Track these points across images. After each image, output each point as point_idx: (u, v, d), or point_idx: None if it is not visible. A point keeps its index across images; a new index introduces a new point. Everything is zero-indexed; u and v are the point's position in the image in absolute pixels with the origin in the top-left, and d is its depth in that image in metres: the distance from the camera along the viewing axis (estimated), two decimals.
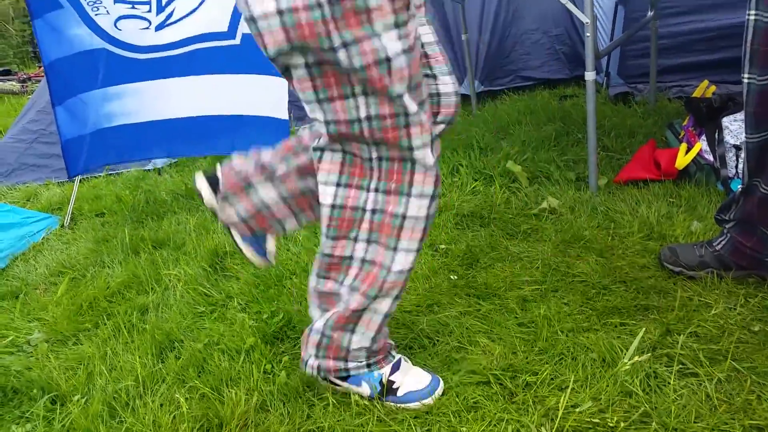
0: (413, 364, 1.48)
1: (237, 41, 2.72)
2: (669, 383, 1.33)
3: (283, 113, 2.84)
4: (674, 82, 3.38)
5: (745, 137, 1.54)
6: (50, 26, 2.53)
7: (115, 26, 2.61)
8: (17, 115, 4.33)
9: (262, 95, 2.81)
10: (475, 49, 3.83)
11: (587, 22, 2.17)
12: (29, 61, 9.62)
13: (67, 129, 2.68)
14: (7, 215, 2.81)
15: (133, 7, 2.61)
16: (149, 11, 2.64)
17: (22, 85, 6.90)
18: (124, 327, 1.85)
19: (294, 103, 3.75)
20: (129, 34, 2.66)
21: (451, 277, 1.88)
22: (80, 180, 3.04)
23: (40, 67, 8.30)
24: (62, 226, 2.84)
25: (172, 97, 2.79)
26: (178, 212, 2.76)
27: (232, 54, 2.73)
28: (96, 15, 2.56)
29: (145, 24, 2.66)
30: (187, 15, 2.68)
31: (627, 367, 1.36)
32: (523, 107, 3.49)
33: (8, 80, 7.19)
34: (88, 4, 2.54)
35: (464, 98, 3.90)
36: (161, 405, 1.48)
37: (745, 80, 1.49)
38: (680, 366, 1.38)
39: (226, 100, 2.82)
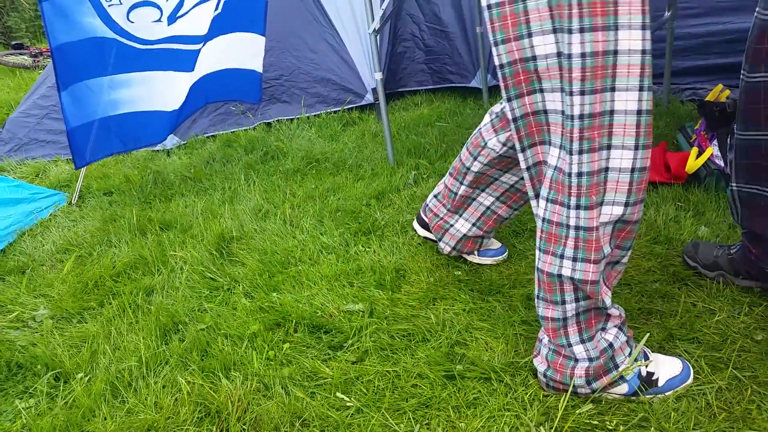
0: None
1: (220, 10, 2.76)
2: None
3: (257, 66, 3.03)
4: (688, 84, 3.35)
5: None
6: (59, 10, 2.48)
7: (128, 18, 2.60)
8: (28, 89, 4.33)
9: (237, 50, 2.95)
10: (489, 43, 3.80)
11: None
12: (41, 35, 9.60)
13: (73, 117, 2.63)
14: (16, 190, 2.82)
15: None
16: None
17: (34, 60, 6.89)
18: (129, 307, 1.86)
19: (306, 90, 3.75)
20: (141, 28, 2.64)
21: (456, 272, 1.88)
22: None
23: None
24: (70, 203, 2.85)
25: (178, 88, 2.81)
26: (185, 195, 2.77)
27: (217, 23, 2.78)
28: (109, 6, 2.54)
29: (157, 14, 2.65)
30: (199, 3, 2.68)
31: (629, 371, 1.36)
32: None
33: (20, 54, 7.19)
34: None
35: (476, 92, 3.89)
36: (163, 387, 1.50)
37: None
38: None
39: (209, 60, 2.88)
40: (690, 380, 1.34)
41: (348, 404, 1.39)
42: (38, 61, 6.87)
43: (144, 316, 1.82)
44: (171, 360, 1.59)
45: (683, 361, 1.38)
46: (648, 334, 1.48)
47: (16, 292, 2.05)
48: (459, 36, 3.86)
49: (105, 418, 1.41)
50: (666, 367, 1.35)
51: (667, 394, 1.32)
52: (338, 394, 1.41)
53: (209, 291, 1.93)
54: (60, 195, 2.90)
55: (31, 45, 8.27)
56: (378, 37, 2.80)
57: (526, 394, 1.36)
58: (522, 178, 1.70)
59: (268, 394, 1.45)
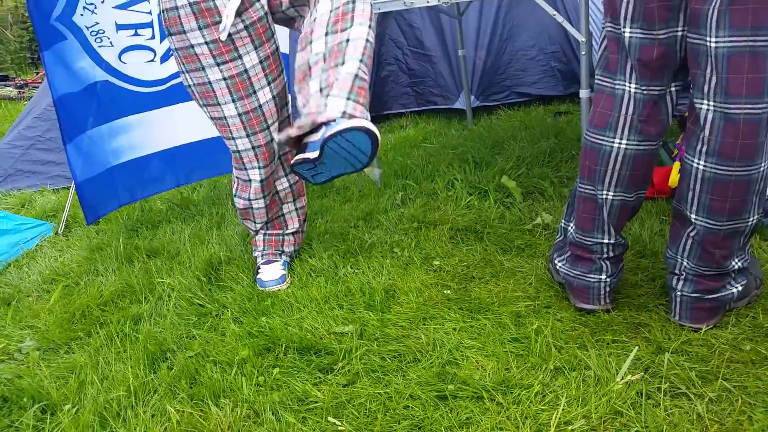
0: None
1: None
2: (660, 403, 1.33)
3: None
4: None
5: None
6: (58, 58, 2.42)
7: (120, 59, 2.55)
8: (13, 121, 4.32)
9: None
10: (472, 65, 3.86)
11: (583, 41, 2.19)
12: (27, 67, 9.62)
13: (80, 171, 2.55)
14: (1, 222, 2.80)
15: (135, 34, 2.54)
16: (152, 38, 2.58)
17: (19, 91, 6.89)
18: (117, 336, 1.84)
19: (292, 115, 3.77)
20: (134, 68, 2.60)
21: (445, 291, 1.88)
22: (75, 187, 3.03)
23: (37, 73, 8.30)
24: (56, 233, 2.83)
25: (176, 124, 2.77)
26: (173, 221, 2.76)
27: None
28: (100, 47, 2.49)
29: (150, 55, 2.61)
30: None
31: (619, 386, 1.36)
32: (518, 123, 3.52)
33: (5, 86, 7.18)
34: (91, 34, 2.46)
35: (460, 113, 3.93)
36: (152, 416, 1.48)
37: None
38: (671, 385, 1.38)
39: None
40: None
41: (340, 428, 1.38)
42: (23, 93, 6.86)
43: (132, 344, 1.80)
44: (160, 389, 1.58)
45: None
46: (636, 348, 1.49)
47: (2, 324, 2.03)
48: (441, 59, 3.92)
49: None
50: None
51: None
52: (330, 419, 1.40)
53: (197, 317, 1.91)
54: (46, 225, 2.89)
55: (17, 76, 8.27)
56: None
57: (519, 412, 1.35)
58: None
59: (258, 420, 1.43)
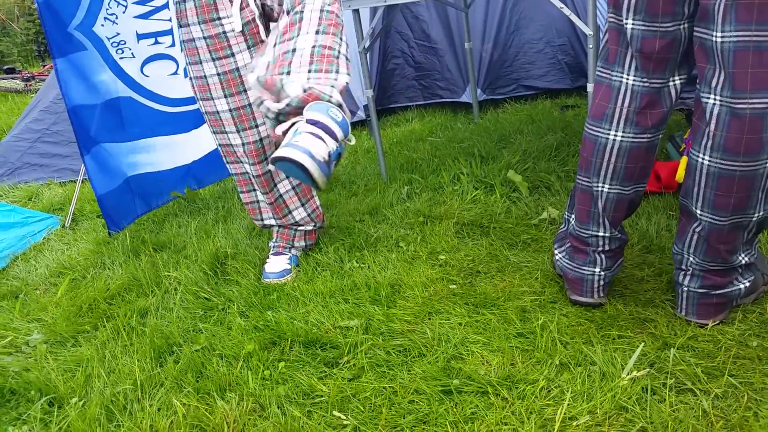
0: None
1: None
2: (665, 398, 1.33)
3: None
4: None
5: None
6: (75, 68, 2.34)
7: (142, 72, 2.50)
8: (20, 114, 4.34)
9: None
10: (478, 58, 3.84)
11: (590, 34, 2.17)
12: (33, 59, 9.65)
13: (100, 184, 2.49)
14: (9, 214, 2.81)
15: (156, 42, 2.50)
16: (172, 45, 2.54)
17: (26, 84, 6.90)
18: (124, 330, 1.85)
19: None
20: (157, 83, 2.54)
21: (450, 286, 1.88)
22: (82, 180, 3.05)
23: (44, 65, 8.32)
24: (63, 226, 2.84)
25: (199, 142, 2.75)
26: (179, 215, 2.77)
27: None
28: (121, 58, 2.44)
29: (173, 66, 2.57)
30: None
31: (625, 381, 1.36)
32: (525, 116, 3.50)
33: (12, 78, 7.20)
34: (112, 45, 2.41)
35: (466, 106, 3.91)
36: (159, 409, 1.49)
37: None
38: (677, 381, 1.38)
39: None
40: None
41: (345, 422, 1.38)
42: (30, 85, 6.88)
43: (138, 338, 1.81)
44: (166, 382, 1.58)
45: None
46: (642, 344, 1.48)
47: (10, 317, 2.04)
48: (448, 52, 3.90)
49: None
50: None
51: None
52: (335, 413, 1.41)
53: (204, 311, 1.92)
54: (53, 218, 2.90)
55: (23, 69, 8.29)
56: (368, 54, 2.82)
57: (524, 407, 1.35)
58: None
59: (264, 414, 1.44)
